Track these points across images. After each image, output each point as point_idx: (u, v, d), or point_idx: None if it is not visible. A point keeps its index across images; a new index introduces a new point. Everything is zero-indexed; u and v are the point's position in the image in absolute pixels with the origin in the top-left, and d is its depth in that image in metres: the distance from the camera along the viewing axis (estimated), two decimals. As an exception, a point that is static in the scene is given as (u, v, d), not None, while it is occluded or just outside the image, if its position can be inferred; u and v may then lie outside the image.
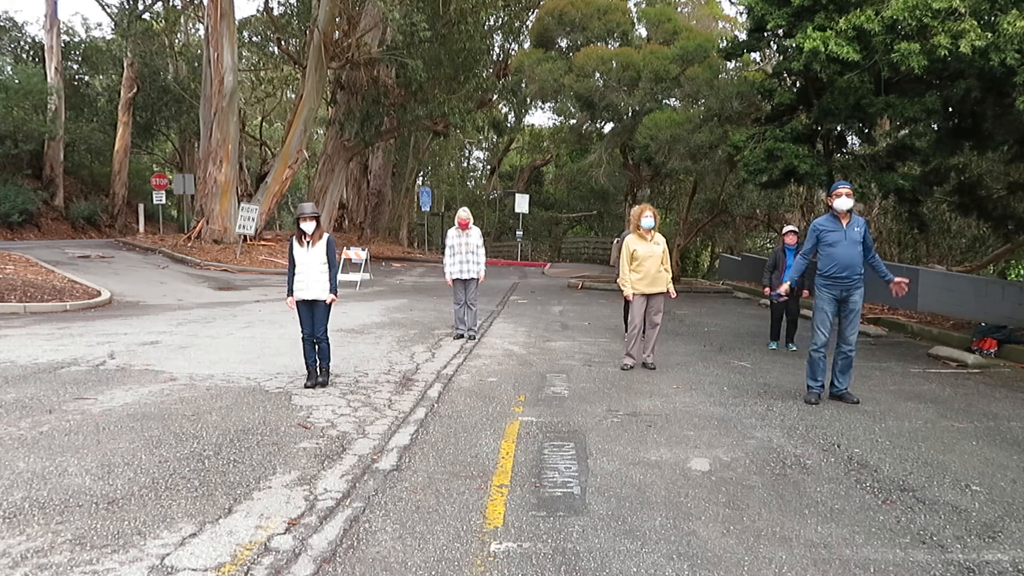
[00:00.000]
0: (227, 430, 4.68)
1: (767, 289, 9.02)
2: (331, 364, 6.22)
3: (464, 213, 8.94)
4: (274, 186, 22.19)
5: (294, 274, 5.96)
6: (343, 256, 15.56)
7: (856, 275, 5.74)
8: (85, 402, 5.29)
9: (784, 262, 8.81)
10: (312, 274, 5.91)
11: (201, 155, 22.62)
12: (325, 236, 6.02)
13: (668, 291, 7.25)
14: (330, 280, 6.00)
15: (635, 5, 22.42)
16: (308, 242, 5.92)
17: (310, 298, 5.94)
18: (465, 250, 8.74)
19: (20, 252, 16.22)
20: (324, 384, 5.99)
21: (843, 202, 5.73)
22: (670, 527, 3.36)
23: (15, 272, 12.94)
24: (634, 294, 7.13)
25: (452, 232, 8.89)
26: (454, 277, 8.81)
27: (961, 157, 12.77)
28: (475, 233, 8.84)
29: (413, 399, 5.71)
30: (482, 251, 8.90)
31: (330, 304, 6.06)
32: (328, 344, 6.10)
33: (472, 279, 8.81)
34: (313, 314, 6.00)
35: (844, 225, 5.76)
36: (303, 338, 5.98)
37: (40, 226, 24.60)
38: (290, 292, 6.00)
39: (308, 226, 5.89)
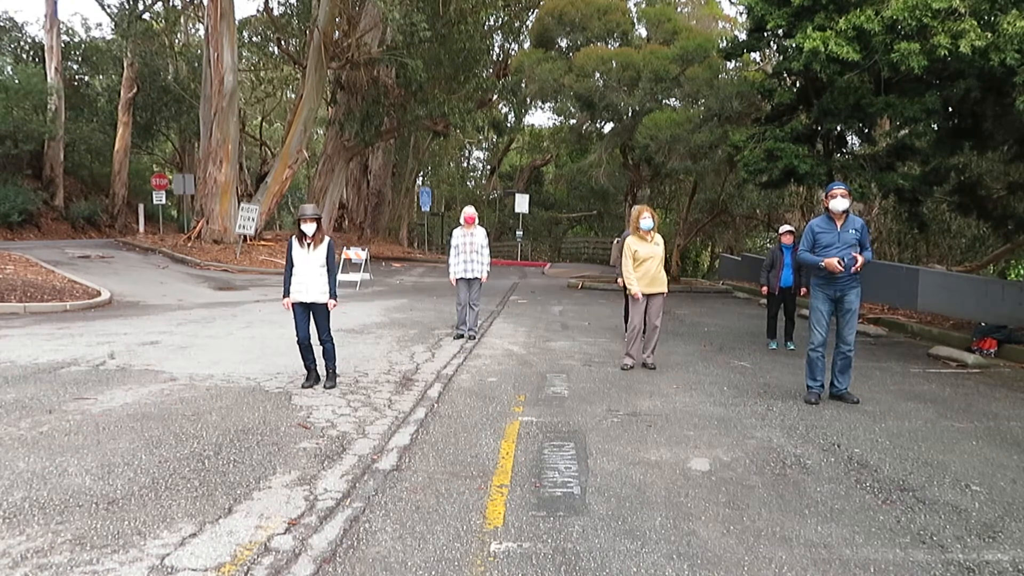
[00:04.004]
0: (227, 430, 4.68)
1: (764, 288, 9.04)
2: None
3: (469, 210, 8.94)
4: (274, 186, 22.19)
5: (291, 275, 5.93)
6: (343, 256, 15.56)
7: (850, 275, 5.74)
8: (85, 402, 5.29)
9: (782, 261, 8.83)
10: (311, 276, 5.86)
11: (201, 155, 22.62)
12: (326, 239, 5.97)
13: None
14: (329, 284, 5.95)
15: (635, 5, 22.45)
16: (309, 244, 5.88)
17: (308, 301, 5.90)
18: (469, 250, 8.74)
19: (20, 252, 16.21)
20: (331, 386, 5.96)
21: (838, 203, 5.73)
22: (670, 527, 3.36)
23: (15, 272, 12.94)
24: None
25: (457, 231, 8.88)
26: (457, 277, 8.80)
27: (961, 157, 12.75)
28: (480, 233, 8.84)
29: (413, 399, 5.71)
30: (486, 251, 8.88)
31: (331, 308, 6.01)
32: (333, 345, 6.07)
33: (475, 279, 8.81)
34: (311, 317, 5.97)
35: (838, 227, 5.76)
36: (298, 339, 5.93)
37: (40, 226, 24.58)
38: (286, 293, 5.97)
39: (309, 228, 5.86)
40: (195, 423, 4.81)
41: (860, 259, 5.64)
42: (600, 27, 19.27)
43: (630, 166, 21.69)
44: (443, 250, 31.57)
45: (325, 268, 5.92)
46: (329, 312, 6.02)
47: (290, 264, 5.93)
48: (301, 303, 5.92)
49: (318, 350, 6.02)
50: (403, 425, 4.95)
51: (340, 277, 14.18)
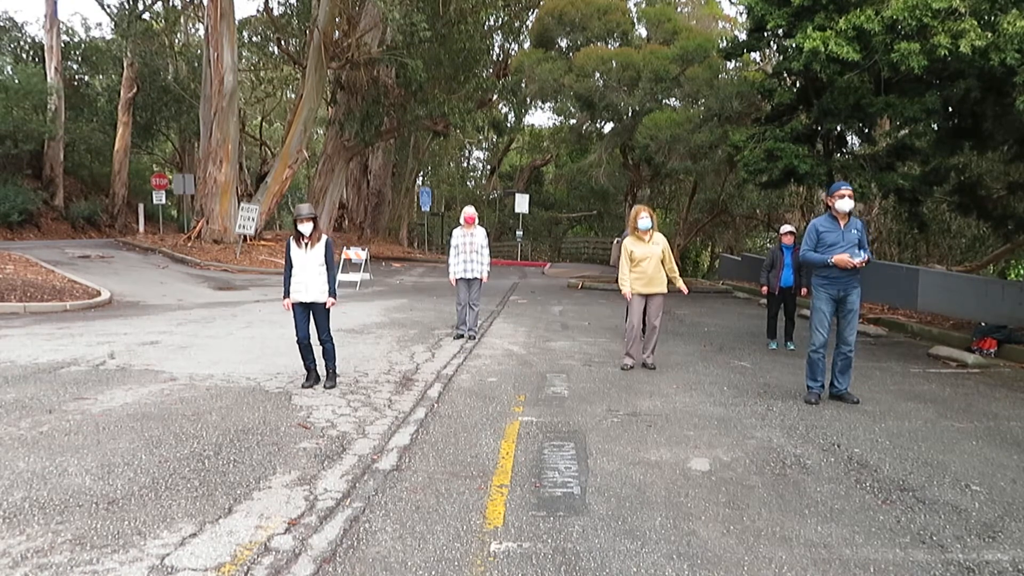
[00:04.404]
0: (227, 430, 4.68)
1: (764, 288, 9.04)
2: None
3: (470, 210, 8.94)
4: (274, 186, 22.19)
5: (291, 276, 5.93)
6: (343, 256, 15.56)
7: (852, 275, 5.75)
8: (85, 402, 5.29)
9: (782, 261, 8.83)
10: (310, 276, 5.86)
11: (201, 155, 22.62)
12: (323, 238, 5.97)
13: (680, 288, 7.43)
14: (329, 283, 5.95)
15: (635, 5, 22.47)
16: (306, 243, 5.88)
17: (308, 300, 5.91)
18: (469, 249, 8.73)
19: (20, 252, 16.21)
20: (331, 386, 5.96)
21: (844, 203, 5.73)
22: (670, 527, 3.36)
23: (15, 272, 12.94)
24: (632, 294, 7.15)
25: (457, 231, 8.87)
26: (457, 277, 8.80)
27: (961, 157, 12.76)
28: (480, 233, 8.84)
29: (413, 399, 5.71)
30: (486, 251, 8.88)
31: (329, 306, 6.02)
32: (333, 345, 6.08)
33: (475, 279, 8.80)
34: (311, 317, 5.97)
35: (842, 227, 5.77)
36: (297, 339, 5.93)
37: (40, 226, 24.57)
38: (287, 294, 5.97)
39: (306, 227, 5.86)
40: (195, 423, 4.81)
41: (865, 255, 5.65)
42: (600, 27, 19.27)
43: (630, 166, 21.70)
44: (443, 250, 31.57)
45: (324, 267, 5.93)
46: (329, 311, 6.02)
47: (289, 265, 5.93)
48: (301, 303, 5.92)
49: (318, 350, 6.02)
50: (403, 425, 4.95)
51: (340, 277, 14.19)
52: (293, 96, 29.44)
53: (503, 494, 3.72)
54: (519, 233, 29.33)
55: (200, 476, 3.84)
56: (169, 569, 2.84)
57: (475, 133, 35.38)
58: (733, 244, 30.52)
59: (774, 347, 8.86)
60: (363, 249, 16.51)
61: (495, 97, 30.22)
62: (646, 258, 7.05)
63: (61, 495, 3.52)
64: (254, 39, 28.78)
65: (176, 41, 31.29)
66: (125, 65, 27.44)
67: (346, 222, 31.14)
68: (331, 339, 6.05)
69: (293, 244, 5.92)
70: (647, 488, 3.85)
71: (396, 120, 25.71)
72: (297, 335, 5.93)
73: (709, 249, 34.80)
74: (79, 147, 28.51)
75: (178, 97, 29.03)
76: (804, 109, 11.67)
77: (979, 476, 4.15)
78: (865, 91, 9.93)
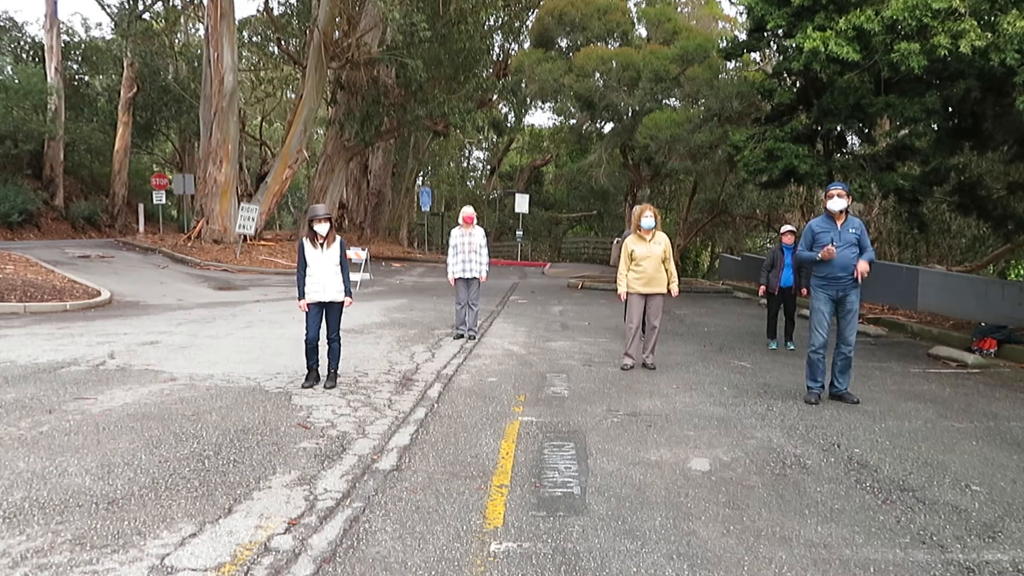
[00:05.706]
0: (227, 430, 4.68)
1: (763, 288, 9.04)
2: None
3: (468, 210, 8.95)
4: (274, 186, 22.20)
5: (305, 276, 5.93)
6: (343, 256, 15.56)
7: (851, 276, 5.75)
8: (85, 402, 5.29)
9: (782, 261, 8.83)
10: (327, 276, 5.89)
11: (201, 155, 22.63)
12: (338, 238, 6.03)
13: (669, 291, 7.20)
14: (344, 282, 5.99)
15: (635, 5, 22.49)
16: (322, 244, 5.91)
17: (326, 300, 5.93)
18: (468, 249, 8.74)
19: (20, 252, 16.21)
20: (331, 386, 5.95)
21: (835, 203, 5.75)
22: (670, 527, 3.36)
23: (15, 272, 12.94)
24: (632, 294, 7.14)
25: (456, 231, 8.89)
26: (456, 276, 8.81)
27: (961, 157, 12.76)
28: (478, 233, 8.85)
29: (413, 399, 5.71)
30: (485, 251, 8.89)
31: (347, 306, 6.06)
32: (340, 344, 6.11)
33: (474, 279, 8.81)
34: (326, 316, 6.00)
35: (838, 227, 5.78)
36: (307, 339, 5.93)
37: (40, 226, 24.57)
38: (302, 295, 5.97)
39: (322, 227, 5.88)
40: (195, 423, 4.81)
41: (864, 264, 5.66)
42: (600, 27, 19.30)
43: (630, 166, 21.71)
44: (443, 250, 31.55)
45: (339, 267, 5.97)
46: (343, 310, 6.06)
47: (303, 265, 5.93)
48: (317, 303, 5.94)
49: (322, 350, 6.03)
50: (403, 425, 4.95)
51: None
52: (293, 96, 29.46)
53: (503, 494, 3.72)
54: (519, 233, 29.33)
55: (200, 476, 3.84)
56: (169, 569, 2.84)
57: (475, 133, 35.36)
58: (733, 244, 30.51)
59: (774, 347, 8.86)
60: (363, 249, 16.51)
61: (495, 97, 30.22)
62: (647, 257, 7.03)
63: (61, 495, 3.52)
64: (254, 39, 28.79)
65: (176, 41, 31.28)
66: (125, 65, 27.44)
67: (346, 222, 31.12)
68: (339, 339, 6.10)
69: (308, 244, 5.93)
70: (647, 488, 3.85)
71: (396, 120, 25.71)
72: (307, 334, 5.93)
73: (709, 249, 34.81)
74: (79, 147, 28.51)
75: (178, 97, 29.04)
76: (804, 109, 11.66)
77: (979, 476, 4.15)
78: (865, 91, 9.93)
